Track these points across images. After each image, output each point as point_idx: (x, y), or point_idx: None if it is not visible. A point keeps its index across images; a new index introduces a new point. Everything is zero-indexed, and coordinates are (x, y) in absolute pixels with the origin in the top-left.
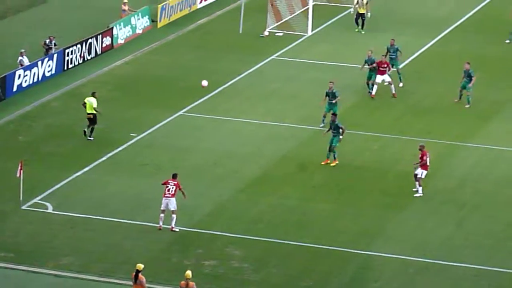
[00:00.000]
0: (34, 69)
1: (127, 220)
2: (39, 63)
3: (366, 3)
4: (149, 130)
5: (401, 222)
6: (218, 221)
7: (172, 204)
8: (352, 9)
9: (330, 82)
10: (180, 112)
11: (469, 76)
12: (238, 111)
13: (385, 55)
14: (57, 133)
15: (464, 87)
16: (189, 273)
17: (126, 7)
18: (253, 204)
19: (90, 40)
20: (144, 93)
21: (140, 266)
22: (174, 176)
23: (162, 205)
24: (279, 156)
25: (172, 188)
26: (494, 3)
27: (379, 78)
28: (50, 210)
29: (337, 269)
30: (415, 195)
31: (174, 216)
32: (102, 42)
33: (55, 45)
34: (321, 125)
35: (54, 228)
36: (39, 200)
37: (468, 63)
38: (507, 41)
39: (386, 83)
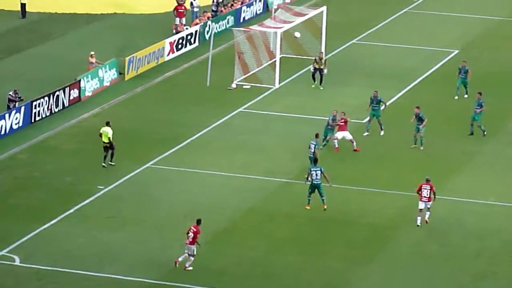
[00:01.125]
0: (2, 122)
1: (95, 273)
2: (6, 116)
3: (325, 62)
4: (117, 182)
5: (367, 275)
6: (186, 273)
7: (191, 250)
8: (311, 66)
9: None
10: (148, 164)
11: (420, 120)
12: (205, 163)
13: (369, 106)
14: (25, 186)
15: (417, 130)
16: None
17: (93, 60)
18: (219, 256)
19: (57, 93)
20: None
21: None
22: (198, 222)
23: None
24: (246, 208)
25: (191, 235)
26: (459, 57)
27: (339, 134)
28: (17, 262)
29: None
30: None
31: (192, 258)
32: (69, 94)
33: (20, 98)
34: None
35: (21, 281)
36: (6, 252)
37: (418, 107)
38: (456, 97)
39: (348, 139)
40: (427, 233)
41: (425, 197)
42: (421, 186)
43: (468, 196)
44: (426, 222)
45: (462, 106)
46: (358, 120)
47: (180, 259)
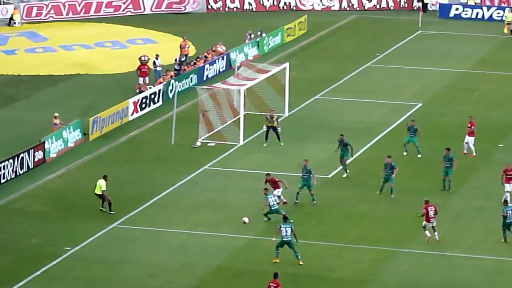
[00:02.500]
0: None
1: None
2: None
3: (276, 120)
4: (83, 243)
5: None
6: None
7: None
8: (264, 126)
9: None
10: (114, 224)
11: (391, 168)
12: (171, 222)
13: (336, 150)
14: None
15: (387, 180)
16: None
17: (57, 121)
18: None
19: (22, 155)
20: (77, 206)
21: None
22: (275, 276)
23: None
24: (214, 265)
25: None
26: (423, 110)
27: (277, 192)
28: None
29: None
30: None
31: None
32: (34, 156)
33: None
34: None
35: None
36: None
37: (389, 156)
38: (405, 153)
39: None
40: (395, 287)
41: (432, 217)
42: (427, 208)
43: (435, 249)
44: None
45: (427, 160)
46: (324, 176)
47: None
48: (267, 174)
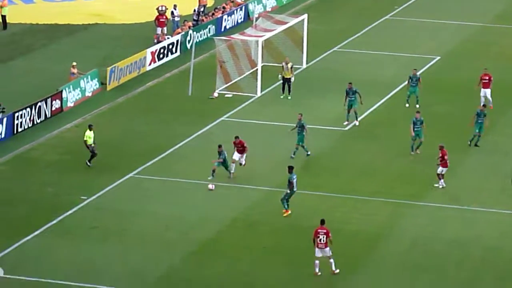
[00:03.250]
0: None
1: (79, 284)
2: None
3: (291, 68)
4: (99, 193)
5: (353, 284)
6: (170, 285)
7: (326, 252)
8: (279, 75)
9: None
10: (130, 175)
11: (421, 123)
12: (187, 174)
13: (345, 99)
14: (7, 198)
15: (417, 135)
16: None
17: (75, 70)
18: (204, 267)
19: (39, 104)
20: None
21: None
22: (322, 223)
23: (316, 254)
24: (230, 218)
25: (323, 237)
26: (440, 64)
27: (236, 156)
28: (1, 274)
29: None
30: (435, 185)
31: (331, 260)
32: (51, 105)
33: (3, 109)
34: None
35: None
36: None
37: (418, 111)
38: (407, 105)
39: (241, 164)
40: (411, 241)
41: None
42: (443, 153)
43: (450, 203)
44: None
45: (443, 114)
46: (341, 128)
47: (317, 270)
48: (236, 137)
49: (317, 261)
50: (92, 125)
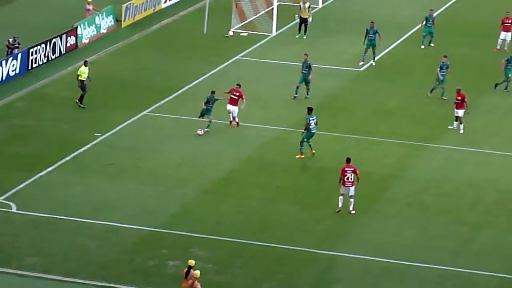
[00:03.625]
0: None
1: (91, 220)
2: (3, 62)
3: (308, 7)
4: (113, 130)
5: (365, 224)
6: (183, 222)
7: (351, 191)
8: (296, 15)
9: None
10: (144, 112)
11: (447, 68)
12: None
13: (365, 37)
14: (21, 133)
15: (442, 81)
16: (197, 272)
17: (90, 7)
18: (217, 205)
19: (54, 40)
20: (108, 93)
21: (192, 262)
22: (348, 161)
23: (341, 191)
24: (244, 157)
25: (351, 175)
26: (458, 5)
27: (229, 107)
28: (14, 210)
29: (301, 270)
30: (450, 127)
31: (352, 200)
32: (66, 41)
33: (19, 44)
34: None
35: (17, 228)
36: (3, 199)
37: (445, 56)
38: (422, 46)
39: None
40: (423, 182)
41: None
42: (462, 96)
43: (464, 145)
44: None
45: (459, 56)
46: (356, 69)
47: (340, 204)
48: (238, 85)
49: (341, 197)
50: (88, 61)
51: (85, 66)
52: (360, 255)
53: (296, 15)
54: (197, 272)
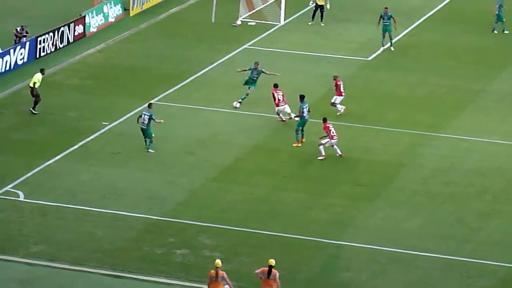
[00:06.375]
0: (6, 57)
1: (99, 209)
2: (11, 51)
3: None
4: (121, 119)
5: (372, 212)
6: (190, 210)
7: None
8: (311, 2)
9: (385, 7)
10: (152, 101)
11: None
12: (210, 100)
13: (378, 23)
14: (29, 121)
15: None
16: (219, 261)
17: None
18: (224, 193)
19: (62, 28)
20: (116, 81)
21: (273, 261)
22: (325, 120)
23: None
24: (251, 145)
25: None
26: None
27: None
28: (21, 198)
29: (308, 259)
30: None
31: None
32: (74, 30)
33: (26, 33)
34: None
35: (25, 216)
36: (10, 188)
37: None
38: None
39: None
40: (431, 171)
41: None
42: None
43: (472, 134)
44: None
45: (468, 44)
46: (364, 58)
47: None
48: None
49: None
50: (44, 69)
51: (42, 74)
52: (367, 244)
53: (311, 2)
54: (218, 262)
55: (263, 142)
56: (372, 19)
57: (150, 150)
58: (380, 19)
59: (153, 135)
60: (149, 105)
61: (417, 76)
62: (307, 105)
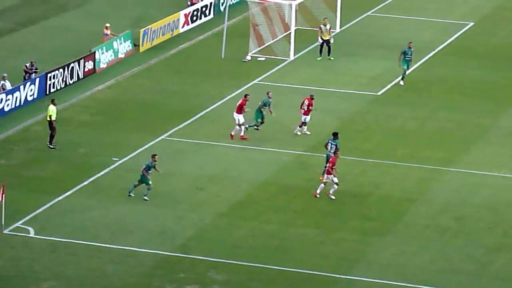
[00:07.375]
0: (16, 93)
1: (109, 245)
2: (21, 87)
3: (329, 29)
4: (131, 154)
5: (383, 247)
6: (200, 245)
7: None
8: (319, 37)
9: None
10: (162, 137)
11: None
12: (220, 136)
13: (399, 58)
14: (39, 157)
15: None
16: None
17: (108, 31)
18: (235, 228)
19: (72, 65)
20: (126, 117)
21: None
22: (312, 97)
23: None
24: (261, 180)
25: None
26: (474, 30)
27: (236, 115)
28: (32, 234)
29: None
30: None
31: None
32: (84, 66)
33: (36, 69)
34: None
35: (35, 253)
36: (21, 224)
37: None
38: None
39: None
40: (441, 205)
41: None
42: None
43: (482, 168)
44: None
45: (477, 79)
46: (374, 93)
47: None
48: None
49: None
50: (55, 99)
51: (54, 104)
52: (378, 279)
53: (319, 38)
54: None
55: (273, 178)
56: (381, 55)
57: (145, 198)
58: (402, 54)
59: (150, 183)
60: (153, 156)
61: (427, 110)
62: (336, 142)
